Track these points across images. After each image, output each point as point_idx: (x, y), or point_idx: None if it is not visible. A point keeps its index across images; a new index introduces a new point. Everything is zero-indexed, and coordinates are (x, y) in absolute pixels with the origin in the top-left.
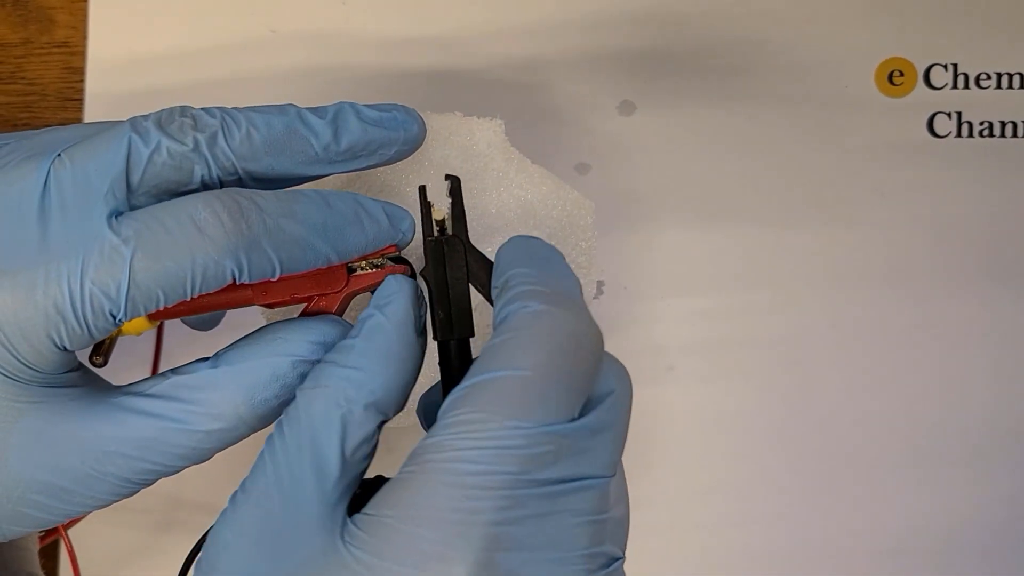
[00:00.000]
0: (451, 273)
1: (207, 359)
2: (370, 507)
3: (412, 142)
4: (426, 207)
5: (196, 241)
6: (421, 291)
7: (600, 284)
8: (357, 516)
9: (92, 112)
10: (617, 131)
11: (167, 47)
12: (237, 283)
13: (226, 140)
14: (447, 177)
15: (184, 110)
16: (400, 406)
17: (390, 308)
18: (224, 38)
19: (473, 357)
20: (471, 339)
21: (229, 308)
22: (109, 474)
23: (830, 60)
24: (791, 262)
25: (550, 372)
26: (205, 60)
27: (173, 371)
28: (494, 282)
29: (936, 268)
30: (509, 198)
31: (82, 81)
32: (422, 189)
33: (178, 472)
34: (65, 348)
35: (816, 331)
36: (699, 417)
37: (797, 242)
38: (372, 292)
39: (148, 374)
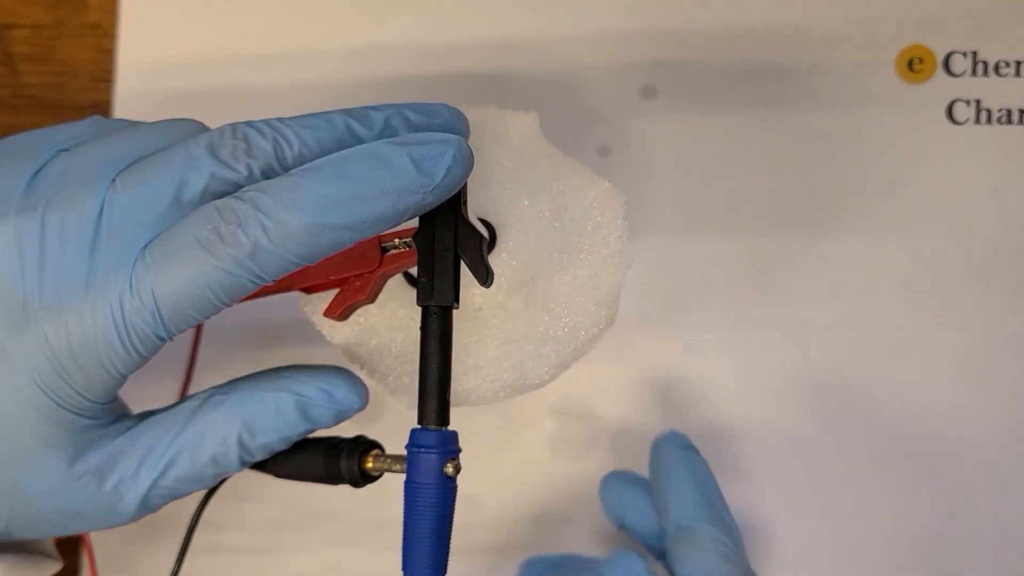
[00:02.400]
0: (440, 242)
1: (220, 387)
2: None
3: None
4: None
5: (202, 261)
6: None
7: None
8: None
9: (123, 92)
10: (639, 115)
11: (197, 30)
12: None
13: (279, 162)
14: None
15: (235, 131)
16: None
17: None
18: (259, 19)
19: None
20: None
21: (272, 293)
22: (126, 502)
23: (851, 46)
24: (803, 258)
25: None
26: (236, 44)
27: (188, 398)
28: (669, 516)
29: (957, 262)
30: (542, 189)
31: (113, 62)
32: None
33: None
34: (121, 374)
35: (842, 330)
36: (717, 397)
37: (808, 233)
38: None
39: (180, 384)
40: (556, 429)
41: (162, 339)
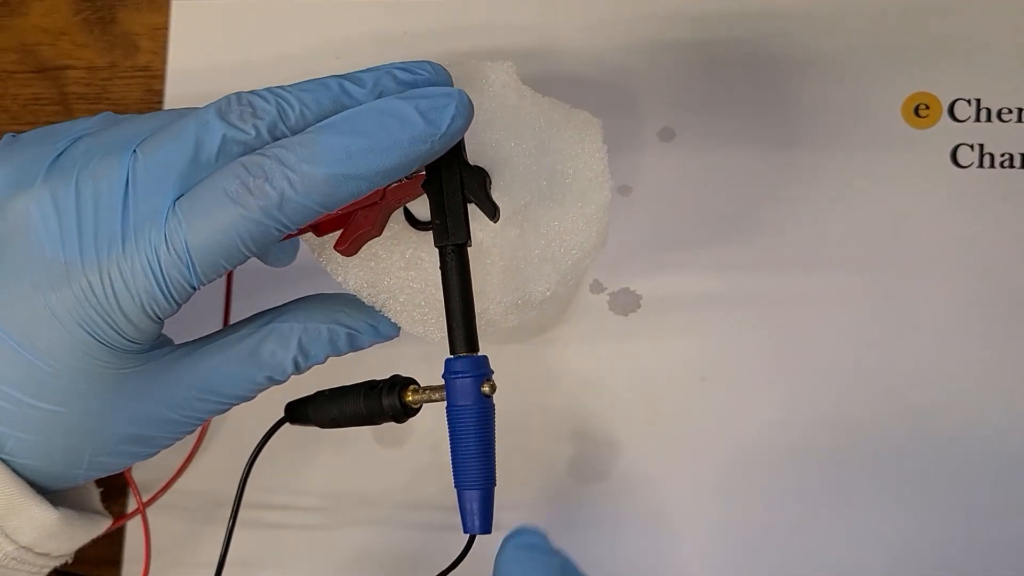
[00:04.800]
0: (448, 187)
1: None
2: None
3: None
4: None
5: (232, 213)
6: None
7: (637, 295)
8: None
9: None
10: (657, 156)
11: (241, 73)
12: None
13: (283, 122)
14: None
15: (240, 97)
16: None
17: None
18: (304, 66)
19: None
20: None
21: (291, 237)
22: (186, 415)
23: (859, 95)
24: (819, 291)
25: None
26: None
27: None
28: None
29: (957, 298)
30: (525, 128)
31: (161, 102)
32: None
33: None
34: (159, 318)
35: (847, 356)
36: (731, 427)
37: (825, 268)
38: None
39: (220, 324)
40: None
41: (194, 287)
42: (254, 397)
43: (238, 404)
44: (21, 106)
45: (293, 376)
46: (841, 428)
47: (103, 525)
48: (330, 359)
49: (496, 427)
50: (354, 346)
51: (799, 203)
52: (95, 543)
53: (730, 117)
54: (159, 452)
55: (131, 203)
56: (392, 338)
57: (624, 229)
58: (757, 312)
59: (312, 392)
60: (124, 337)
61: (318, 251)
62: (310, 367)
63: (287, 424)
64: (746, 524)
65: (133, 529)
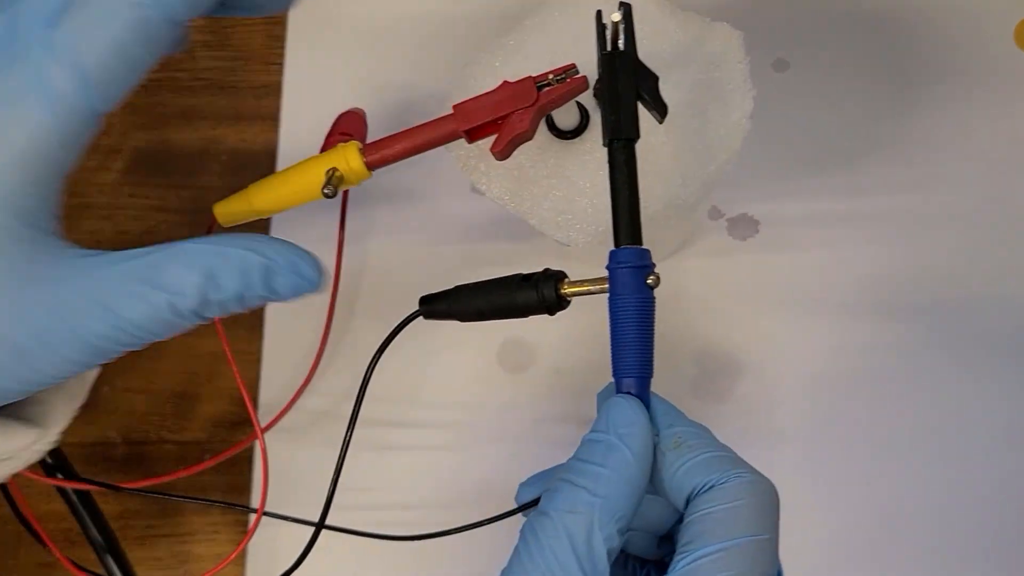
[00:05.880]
0: (621, 83)
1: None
2: None
3: None
4: (601, 28)
5: (118, 4)
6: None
7: (755, 220)
8: None
9: (291, 72)
10: (772, 86)
11: (362, 15)
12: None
13: None
14: (620, 5)
15: None
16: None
17: (633, 441)
18: None
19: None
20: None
21: (439, 144)
22: (75, 334)
23: (971, 22)
24: (934, 214)
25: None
26: (397, 19)
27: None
28: (662, 433)
29: None
30: (666, 43)
31: (282, 47)
32: (598, 13)
33: (132, 348)
34: (61, 164)
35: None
36: (847, 348)
37: (940, 192)
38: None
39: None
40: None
41: (96, 111)
42: (159, 334)
43: (140, 340)
44: None
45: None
46: (950, 310)
47: (24, 437)
48: None
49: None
50: (269, 287)
51: (913, 129)
52: (224, 471)
53: (842, 48)
54: (45, 387)
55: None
56: (315, 287)
57: (741, 156)
58: (873, 235)
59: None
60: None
61: (463, 162)
62: (219, 309)
63: (412, 340)
64: (867, 441)
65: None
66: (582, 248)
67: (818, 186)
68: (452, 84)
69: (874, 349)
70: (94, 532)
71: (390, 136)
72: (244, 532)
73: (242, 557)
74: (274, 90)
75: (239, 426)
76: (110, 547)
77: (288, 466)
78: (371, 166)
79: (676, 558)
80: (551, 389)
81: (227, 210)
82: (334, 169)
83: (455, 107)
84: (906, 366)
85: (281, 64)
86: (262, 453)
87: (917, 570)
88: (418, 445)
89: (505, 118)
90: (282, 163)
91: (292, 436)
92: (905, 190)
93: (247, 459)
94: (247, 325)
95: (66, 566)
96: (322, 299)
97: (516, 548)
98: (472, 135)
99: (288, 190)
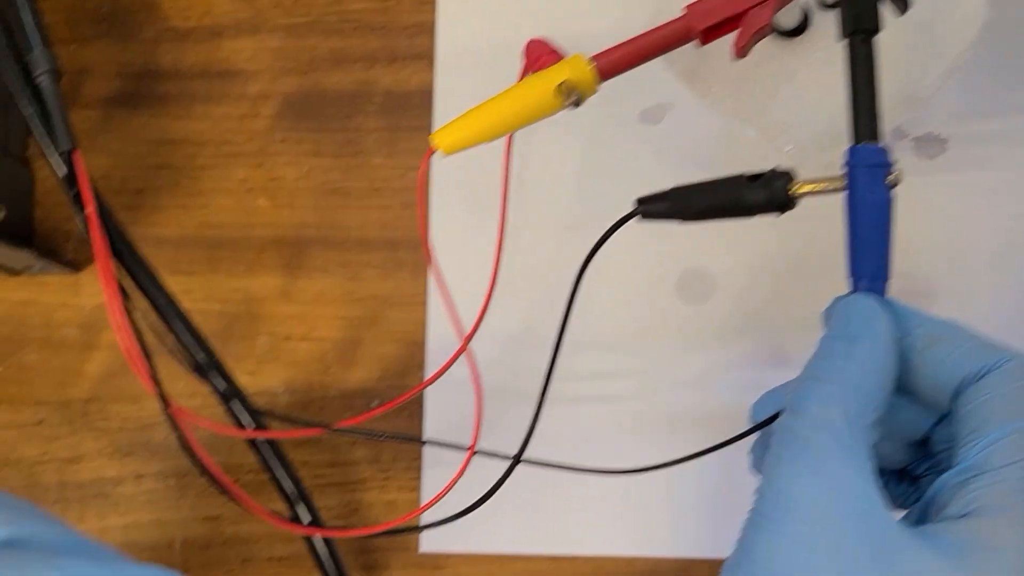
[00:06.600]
0: None
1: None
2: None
3: None
4: None
5: None
6: None
7: (942, 139)
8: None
9: (445, 11)
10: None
11: None
12: None
13: None
14: None
15: None
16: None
17: (876, 331)
18: None
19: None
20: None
21: (669, 48)
22: None
23: None
24: None
25: None
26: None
27: None
28: (913, 333)
29: None
30: None
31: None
32: None
33: None
34: None
35: None
36: None
37: None
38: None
39: None
40: None
41: None
42: None
43: None
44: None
45: None
46: None
47: None
48: None
49: (799, 266)
50: None
51: None
52: (391, 419)
53: None
54: None
55: None
56: None
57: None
58: None
59: None
60: None
61: (682, 71)
62: None
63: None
64: None
65: (432, 399)
66: (797, 157)
67: (1008, 101)
68: None
69: None
70: (288, 483)
71: (617, 45)
72: (414, 479)
73: (417, 496)
74: (427, 29)
75: (407, 372)
76: (302, 495)
77: (449, 414)
78: (603, 74)
79: (961, 451)
80: (729, 323)
81: (450, 139)
82: (565, 80)
83: (688, 7)
84: None
85: (433, 2)
86: (474, 377)
87: None
88: (594, 395)
89: (744, 14)
90: (440, 103)
91: (456, 385)
92: None
93: (418, 404)
94: (411, 267)
95: (266, 519)
96: (488, 238)
97: (770, 454)
98: (707, 35)
99: (515, 109)
